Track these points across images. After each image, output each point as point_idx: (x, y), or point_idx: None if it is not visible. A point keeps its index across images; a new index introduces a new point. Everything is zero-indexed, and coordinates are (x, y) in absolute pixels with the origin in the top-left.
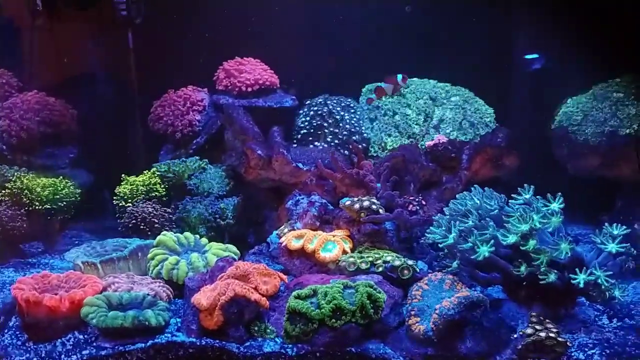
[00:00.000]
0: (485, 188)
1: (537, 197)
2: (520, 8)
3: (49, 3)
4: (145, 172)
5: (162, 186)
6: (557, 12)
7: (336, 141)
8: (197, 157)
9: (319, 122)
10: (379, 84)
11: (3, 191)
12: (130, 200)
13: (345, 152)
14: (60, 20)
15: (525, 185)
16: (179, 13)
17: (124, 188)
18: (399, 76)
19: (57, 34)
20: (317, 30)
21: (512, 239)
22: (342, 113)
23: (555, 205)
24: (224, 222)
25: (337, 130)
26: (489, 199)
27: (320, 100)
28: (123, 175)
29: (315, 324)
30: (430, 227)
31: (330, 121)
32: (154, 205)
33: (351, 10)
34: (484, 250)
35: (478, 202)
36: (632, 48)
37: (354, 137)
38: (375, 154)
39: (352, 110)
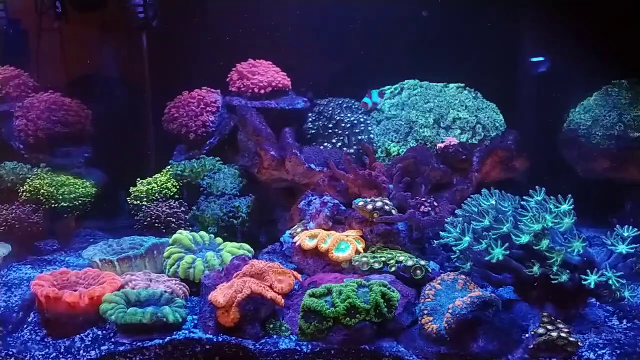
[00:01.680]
0: (496, 190)
1: (551, 197)
2: (529, 11)
3: (65, 5)
4: (162, 171)
5: (175, 186)
6: (566, 15)
7: (341, 143)
8: (213, 157)
9: (325, 124)
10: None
11: (21, 189)
12: (145, 200)
13: (352, 151)
14: (76, 22)
15: (537, 187)
16: (194, 15)
17: (139, 187)
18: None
19: (73, 36)
20: (329, 34)
21: (525, 238)
22: (349, 115)
23: (565, 206)
24: (238, 221)
25: (342, 132)
26: (503, 200)
27: (327, 102)
28: (138, 179)
29: (330, 322)
30: (445, 226)
31: (335, 122)
32: (169, 204)
33: (362, 14)
34: (499, 253)
35: (493, 202)
36: None
37: (359, 137)
38: (380, 159)
39: (360, 112)
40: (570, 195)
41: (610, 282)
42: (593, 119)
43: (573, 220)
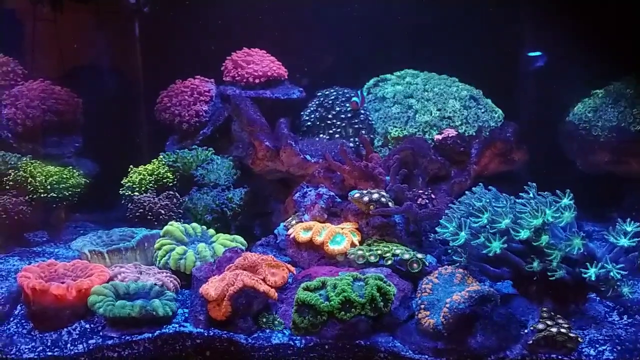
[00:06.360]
0: (492, 188)
1: (545, 192)
2: (531, 4)
3: None
4: (153, 161)
5: (172, 175)
6: (569, 9)
7: (340, 134)
8: (205, 148)
9: (323, 114)
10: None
11: (7, 179)
12: (137, 190)
13: (351, 144)
14: (66, 9)
15: (528, 185)
16: (187, 3)
17: (131, 177)
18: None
19: (64, 23)
20: (325, 23)
21: (524, 234)
22: (346, 105)
23: (566, 201)
24: (231, 213)
25: (340, 123)
26: (497, 199)
27: (325, 92)
28: (131, 166)
29: (324, 316)
30: (441, 221)
31: (334, 113)
32: (161, 195)
33: (360, 4)
34: (497, 246)
35: (488, 200)
36: None
37: (356, 126)
38: (377, 147)
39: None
40: (569, 190)
41: (611, 274)
42: (594, 112)
43: (574, 214)
